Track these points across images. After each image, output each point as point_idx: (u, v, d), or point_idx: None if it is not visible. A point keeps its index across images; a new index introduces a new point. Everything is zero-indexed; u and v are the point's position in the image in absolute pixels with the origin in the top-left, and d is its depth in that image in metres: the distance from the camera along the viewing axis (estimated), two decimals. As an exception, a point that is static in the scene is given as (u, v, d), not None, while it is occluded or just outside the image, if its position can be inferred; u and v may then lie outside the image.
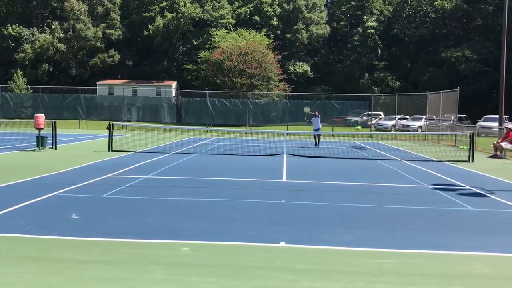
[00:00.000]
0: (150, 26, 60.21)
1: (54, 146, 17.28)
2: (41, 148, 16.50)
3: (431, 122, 30.54)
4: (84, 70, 59.72)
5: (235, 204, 8.30)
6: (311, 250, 5.68)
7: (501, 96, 24.39)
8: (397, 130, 34.40)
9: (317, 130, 22.05)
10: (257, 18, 60.91)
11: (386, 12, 62.93)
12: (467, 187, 10.83)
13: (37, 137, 16.59)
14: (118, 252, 5.46)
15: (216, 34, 51.66)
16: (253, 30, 51.93)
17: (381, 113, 41.29)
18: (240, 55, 44.49)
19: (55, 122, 18.14)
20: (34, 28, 61.04)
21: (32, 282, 4.47)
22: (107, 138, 17.69)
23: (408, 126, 35.00)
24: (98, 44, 59.29)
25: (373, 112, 38.49)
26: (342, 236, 6.35)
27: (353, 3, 64.21)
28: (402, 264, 5.26)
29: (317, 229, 6.67)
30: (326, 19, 64.14)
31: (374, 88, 55.98)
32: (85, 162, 13.51)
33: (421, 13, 59.77)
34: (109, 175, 11.12)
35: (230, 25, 56.54)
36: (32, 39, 59.72)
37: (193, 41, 59.80)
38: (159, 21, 59.67)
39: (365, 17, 62.48)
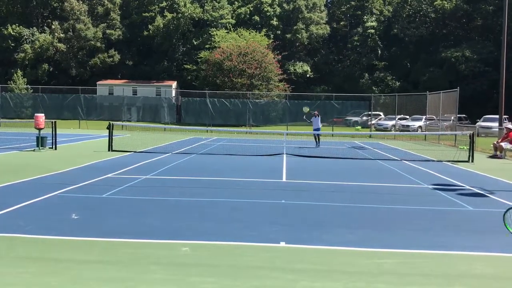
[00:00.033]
0: (150, 26, 60.23)
1: (54, 146, 17.28)
2: (41, 148, 16.50)
3: (431, 122, 30.54)
4: (84, 70, 59.73)
5: (235, 204, 8.30)
6: (311, 250, 5.68)
7: (501, 96, 24.39)
8: (397, 130, 34.40)
9: (317, 130, 21.99)
10: (257, 18, 60.91)
11: (386, 12, 62.94)
12: (467, 187, 10.83)
13: (37, 137, 16.59)
14: (118, 252, 5.46)
15: (216, 34, 51.66)
16: (253, 30, 51.93)
17: (381, 113, 41.29)
18: (240, 55, 44.49)
19: (55, 122, 18.14)
20: (34, 28, 61.05)
21: (32, 282, 4.46)
22: (107, 138, 17.69)
23: (408, 126, 35.00)
24: (98, 44, 59.31)
25: (373, 112, 38.49)
26: (342, 236, 6.36)
27: (353, 3, 64.21)
28: (402, 264, 5.26)
29: (317, 229, 6.67)
30: (326, 19, 64.14)
31: (374, 88, 55.99)
32: (85, 162, 13.51)
33: (421, 13, 59.78)
34: (109, 175, 11.12)
35: (230, 25, 56.55)
36: (32, 39, 59.73)
37: (193, 41, 59.81)
38: (159, 21, 59.68)
39: (365, 17, 62.49)
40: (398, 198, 9.37)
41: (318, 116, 21.90)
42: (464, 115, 35.70)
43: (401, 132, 32.29)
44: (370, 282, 4.64)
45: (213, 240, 5.96)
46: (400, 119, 35.57)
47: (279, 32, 61.41)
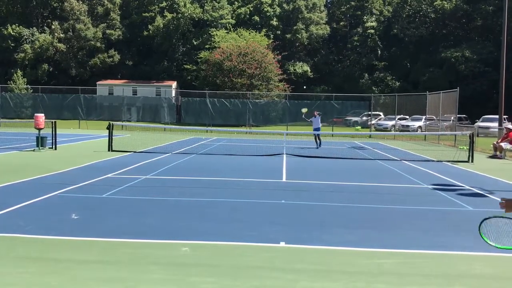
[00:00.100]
0: (150, 26, 60.25)
1: (54, 146, 17.28)
2: (41, 148, 16.50)
3: (430, 122, 30.54)
4: (84, 70, 59.74)
5: (235, 204, 8.30)
6: (311, 250, 5.68)
7: (501, 96, 24.39)
8: (396, 130, 34.40)
9: (317, 129, 21.81)
10: (257, 18, 60.94)
11: (386, 12, 62.96)
12: (467, 187, 10.83)
13: (37, 137, 16.59)
14: (117, 252, 5.46)
15: (216, 34, 51.67)
16: (253, 30, 51.94)
17: (381, 113, 41.30)
18: (240, 55, 44.50)
19: (55, 122, 18.13)
20: (34, 28, 61.07)
21: (32, 282, 4.47)
22: (107, 138, 17.69)
23: (407, 126, 35.01)
24: (98, 44, 59.32)
25: (373, 112, 38.49)
26: (342, 236, 6.36)
27: (353, 3, 64.23)
28: (402, 264, 5.26)
29: (317, 229, 6.67)
30: (326, 19, 64.17)
31: (374, 88, 56.01)
32: (85, 162, 13.51)
33: (421, 13, 59.80)
34: (109, 175, 11.12)
35: (230, 25, 56.57)
36: (32, 39, 59.74)
37: (193, 41, 59.83)
38: (159, 21, 59.70)
39: (365, 17, 62.52)
40: (398, 198, 9.37)
41: (319, 116, 21.73)
42: (464, 115, 35.71)
43: (401, 132, 32.30)
44: (370, 282, 4.64)
45: (213, 240, 5.96)
46: (400, 119, 35.57)
47: (279, 32, 61.43)
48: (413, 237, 6.41)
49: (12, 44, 59.15)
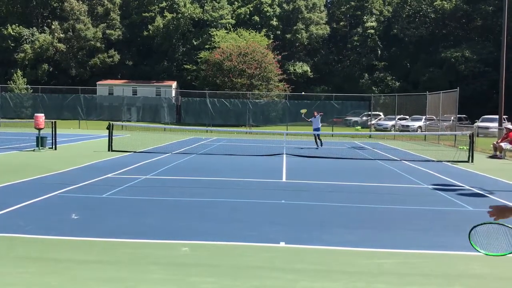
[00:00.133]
0: (150, 26, 60.26)
1: (54, 146, 17.28)
2: (41, 148, 16.50)
3: (430, 123, 30.54)
4: (84, 70, 59.75)
5: (235, 204, 8.30)
6: (311, 250, 5.68)
7: (501, 96, 24.40)
8: (396, 130, 34.41)
9: (317, 129, 21.70)
10: (257, 18, 60.94)
11: (386, 12, 62.96)
12: (467, 187, 10.83)
13: (37, 137, 16.59)
14: (117, 252, 5.46)
15: (216, 35, 51.69)
16: (253, 31, 51.96)
17: (381, 113, 41.30)
18: (240, 55, 44.51)
19: (55, 122, 18.13)
20: (34, 28, 61.08)
21: (32, 282, 4.47)
22: (107, 138, 17.70)
23: (407, 126, 35.02)
24: (98, 44, 59.33)
25: (373, 112, 38.49)
26: (342, 236, 6.35)
27: (353, 3, 64.23)
28: (402, 264, 5.26)
29: (317, 229, 6.67)
30: (326, 19, 64.17)
31: (374, 88, 56.01)
32: (85, 162, 13.51)
33: (421, 13, 59.81)
34: (109, 175, 11.12)
35: (230, 25, 56.58)
36: (32, 39, 59.74)
37: (193, 41, 59.85)
38: (159, 21, 59.70)
39: (364, 17, 62.51)
40: (398, 198, 9.37)
41: (319, 116, 21.60)
42: (464, 115, 35.72)
43: (401, 132, 32.30)
44: (370, 282, 4.64)
45: (213, 240, 5.96)
46: (400, 119, 35.58)
47: (279, 32, 61.43)
48: (413, 237, 6.41)
49: (12, 44, 59.17)
